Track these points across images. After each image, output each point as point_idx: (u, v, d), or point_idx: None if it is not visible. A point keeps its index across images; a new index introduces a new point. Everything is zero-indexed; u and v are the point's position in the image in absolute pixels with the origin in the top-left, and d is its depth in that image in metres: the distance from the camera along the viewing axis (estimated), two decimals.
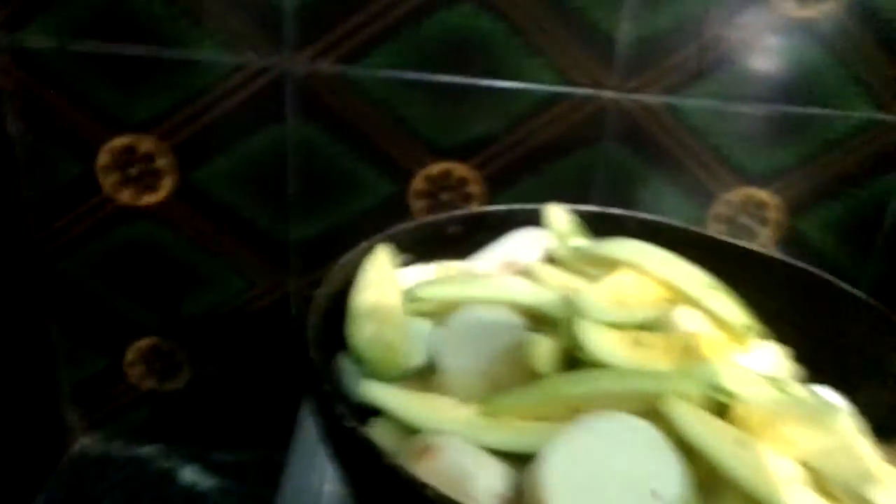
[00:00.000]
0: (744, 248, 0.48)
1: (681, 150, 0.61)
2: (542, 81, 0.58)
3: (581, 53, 0.57)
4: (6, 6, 0.54)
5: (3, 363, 0.59)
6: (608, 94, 0.59)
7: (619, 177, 0.62)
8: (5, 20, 0.55)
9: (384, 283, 0.39)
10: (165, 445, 0.73)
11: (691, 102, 0.60)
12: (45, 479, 0.68)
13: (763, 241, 0.65)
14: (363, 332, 0.36)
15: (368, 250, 0.43)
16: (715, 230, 0.64)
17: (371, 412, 0.33)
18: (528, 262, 0.47)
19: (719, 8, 0.56)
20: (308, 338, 0.31)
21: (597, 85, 0.58)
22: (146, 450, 0.73)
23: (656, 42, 0.57)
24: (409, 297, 0.39)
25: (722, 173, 0.62)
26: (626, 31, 0.57)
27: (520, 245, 0.48)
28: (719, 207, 0.64)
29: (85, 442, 0.73)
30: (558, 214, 0.50)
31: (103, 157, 0.60)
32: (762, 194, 0.63)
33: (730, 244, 0.49)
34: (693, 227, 0.51)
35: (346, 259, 0.41)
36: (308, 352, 0.30)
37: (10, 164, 0.58)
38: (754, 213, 0.64)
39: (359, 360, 0.35)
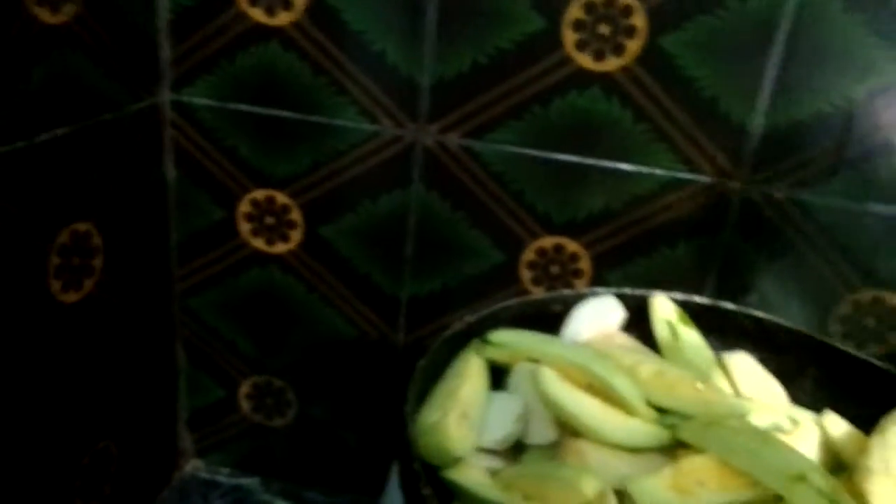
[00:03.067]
0: (860, 358, 0.46)
1: (807, 246, 0.59)
2: (664, 167, 0.58)
3: (708, 141, 0.57)
4: (175, 69, 0.61)
5: (131, 385, 0.65)
6: (733, 183, 0.58)
7: (736, 269, 0.60)
8: (174, 80, 0.61)
9: (468, 376, 0.40)
10: (265, 478, 0.77)
11: (822, 199, 0.58)
12: (157, 494, 0.73)
13: (893, 345, 0.61)
14: (428, 417, 0.37)
15: (473, 324, 0.45)
16: (837, 332, 0.61)
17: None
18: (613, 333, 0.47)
19: (864, 104, 0.55)
20: (405, 412, 0.32)
21: (721, 174, 0.58)
22: (248, 480, 0.77)
23: (791, 134, 0.56)
24: (481, 340, 0.42)
25: (849, 273, 0.59)
26: (759, 122, 0.56)
27: (598, 316, 0.49)
28: (845, 308, 0.61)
29: (195, 465, 0.78)
30: (664, 304, 0.50)
31: (244, 206, 0.65)
32: (894, 298, 0.60)
33: (844, 353, 0.47)
34: (808, 332, 0.49)
35: (450, 332, 0.43)
36: (404, 427, 0.32)
37: (162, 205, 0.65)
38: (884, 318, 0.61)
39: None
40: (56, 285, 0.51)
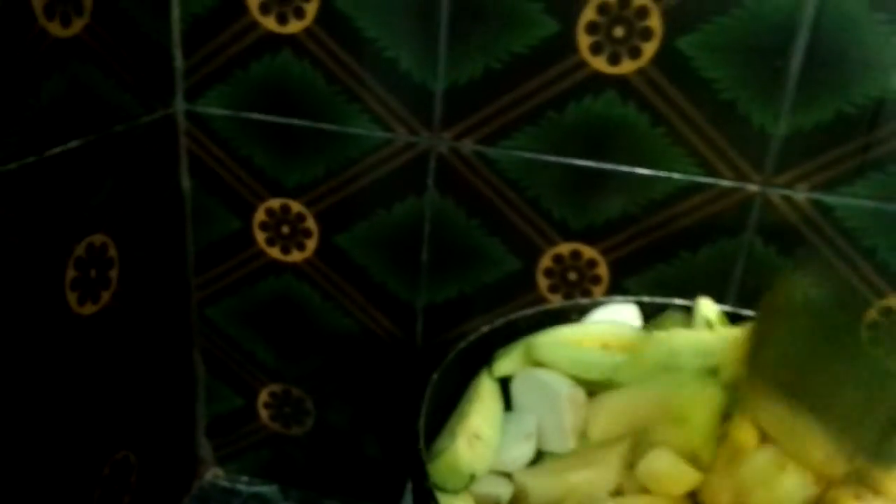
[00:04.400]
0: None
1: (831, 250, 0.58)
2: (682, 170, 0.57)
3: (727, 144, 0.56)
4: (188, 79, 0.61)
5: (150, 394, 0.65)
6: (753, 187, 0.57)
7: (758, 274, 0.59)
8: (187, 90, 0.61)
9: (480, 398, 0.39)
10: (284, 486, 0.77)
11: (846, 201, 0.56)
12: (177, 502, 0.74)
13: None
14: (440, 443, 0.36)
15: (487, 335, 0.44)
16: (865, 338, 0.59)
17: None
18: None
19: (889, 104, 0.53)
20: (418, 428, 0.32)
21: (741, 177, 0.57)
22: (267, 488, 0.77)
23: (812, 135, 0.55)
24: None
25: (876, 279, 0.58)
26: (779, 123, 0.55)
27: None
28: (872, 315, 0.59)
29: (215, 473, 0.78)
30: (709, 305, 0.49)
31: (259, 215, 0.65)
32: None
33: None
34: None
35: (464, 343, 0.43)
36: (417, 442, 0.31)
37: (179, 216, 0.65)
38: None
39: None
40: (73, 298, 0.51)
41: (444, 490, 0.33)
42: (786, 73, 0.53)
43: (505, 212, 0.60)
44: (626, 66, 0.54)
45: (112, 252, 0.55)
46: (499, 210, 0.61)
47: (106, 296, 0.55)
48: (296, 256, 0.66)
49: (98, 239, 0.53)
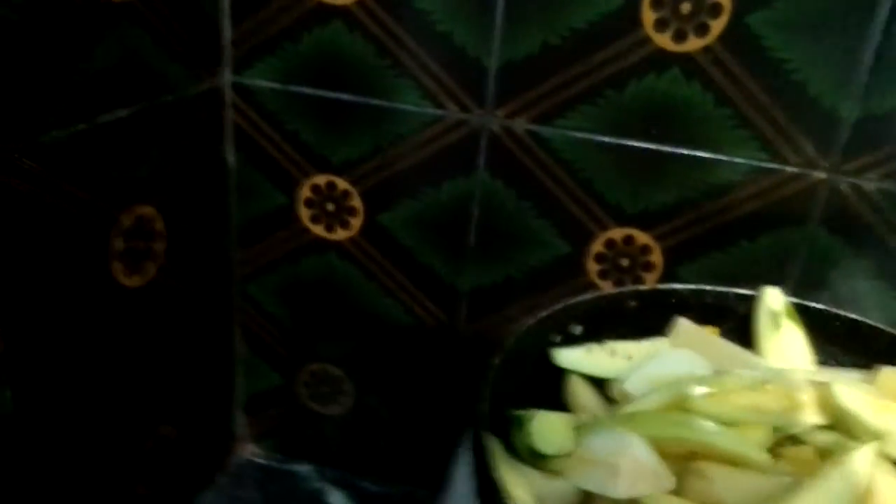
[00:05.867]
0: None
1: None
2: (746, 155, 0.55)
3: (795, 128, 0.53)
4: (236, 50, 0.60)
5: (191, 370, 0.64)
6: (820, 173, 0.54)
7: (821, 264, 0.56)
8: (235, 62, 0.60)
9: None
10: (320, 465, 0.76)
11: None
12: (214, 476, 0.73)
13: None
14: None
15: (545, 319, 0.43)
16: None
17: None
18: None
19: None
20: (479, 410, 0.31)
21: (808, 163, 0.54)
22: (302, 467, 0.77)
23: (886, 121, 0.52)
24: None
25: None
26: (851, 107, 0.52)
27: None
28: None
29: (251, 450, 0.78)
30: (775, 295, 0.47)
31: (305, 192, 0.64)
32: None
33: None
34: None
35: (523, 327, 0.41)
36: (478, 425, 0.30)
37: (223, 190, 0.64)
38: None
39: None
40: (120, 269, 0.51)
41: (540, 453, 0.33)
42: (860, 55, 0.51)
43: (556, 194, 0.59)
44: (692, 44, 0.52)
45: (159, 225, 0.54)
46: (550, 192, 0.59)
47: (152, 269, 0.54)
48: (340, 235, 0.65)
49: (146, 210, 0.52)
